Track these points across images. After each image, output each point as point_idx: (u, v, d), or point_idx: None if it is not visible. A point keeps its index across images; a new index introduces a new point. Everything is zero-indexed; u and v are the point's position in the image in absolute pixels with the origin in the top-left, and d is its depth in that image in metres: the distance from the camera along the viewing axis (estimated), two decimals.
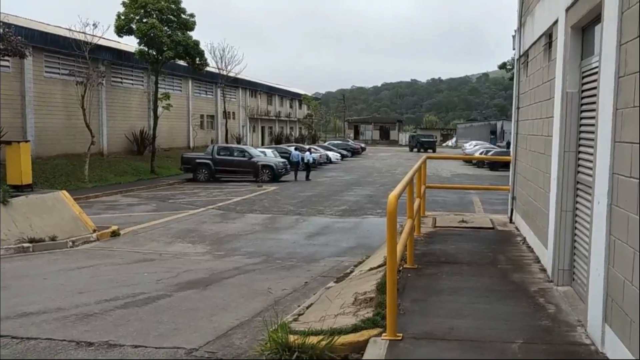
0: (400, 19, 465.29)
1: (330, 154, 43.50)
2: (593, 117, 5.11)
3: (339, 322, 5.15)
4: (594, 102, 5.15)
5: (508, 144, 45.78)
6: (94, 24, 25.36)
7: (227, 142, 38.97)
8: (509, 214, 9.66)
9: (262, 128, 57.87)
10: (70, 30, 25.38)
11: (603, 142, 4.26)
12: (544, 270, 6.47)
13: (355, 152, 55.85)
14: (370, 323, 4.93)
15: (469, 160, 42.21)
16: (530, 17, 8.18)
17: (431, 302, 5.50)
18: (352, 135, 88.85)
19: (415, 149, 66.23)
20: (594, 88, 5.05)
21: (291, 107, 68.67)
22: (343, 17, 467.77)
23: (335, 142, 59.23)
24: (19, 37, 20.50)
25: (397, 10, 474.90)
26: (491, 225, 9.31)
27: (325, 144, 55.29)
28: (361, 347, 4.67)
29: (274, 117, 61.04)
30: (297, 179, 29.00)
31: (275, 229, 14.51)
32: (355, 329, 4.86)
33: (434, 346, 4.44)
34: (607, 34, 4.23)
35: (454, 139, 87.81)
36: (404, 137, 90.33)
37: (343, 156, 48.07)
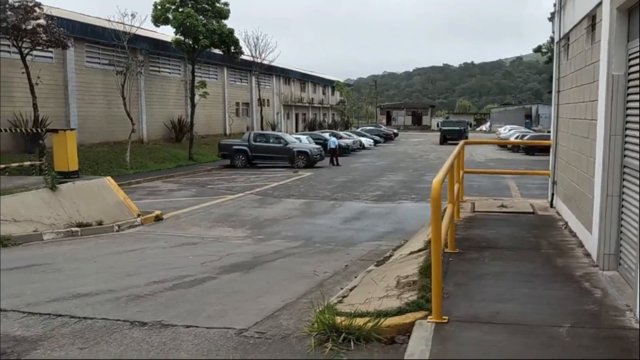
0: (430, 2, 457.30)
1: (363, 139, 43.48)
2: None
3: (384, 305, 5.25)
4: None
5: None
6: (132, 14, 25.92)
7: (262, 129, 39.37)
8: (550, 199, 9.55)
9: (296, 115, 58.08)
10: (109, 20, 25.95)
11: None
12: (588, 254, 6.42)
13: (387, 138, 55.59)
14: (415, 306, 5.02)
15: (504, 145, 41.52)
16: None
17: (474, 286, 5.55)
18: (384, 121, 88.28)
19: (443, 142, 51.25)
20: None
21: (324, 93, 68.64)
22: (372, 2, 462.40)
23: (368, 128, 59.03)
24: (61, 29, 21.09)
25: None
26: (531, 210, 9.24)
27: (358, 130, 55.16)
28: (407, 329, 4.76)
29: (307, 104, 61.17)
30: (334, 165, 29.20)
31: (312, 214, 14.67)
32: (400, 311, 4.95)
33: (480, 330, 4.49)
34: None
35: (488, 124, 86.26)
36: (436, 123, 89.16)
37: (376, 142, 47.94)
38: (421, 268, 6.05)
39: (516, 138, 41.10)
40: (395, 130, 65.19)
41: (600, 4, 6.09)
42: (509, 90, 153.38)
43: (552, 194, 9.32)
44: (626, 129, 5.52)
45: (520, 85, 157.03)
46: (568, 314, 4.75)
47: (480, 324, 4.61)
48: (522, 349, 4.15)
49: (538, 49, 45.51)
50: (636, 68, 5.24)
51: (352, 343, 4.67)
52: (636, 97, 5.23)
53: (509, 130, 52.33)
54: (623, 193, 5.60)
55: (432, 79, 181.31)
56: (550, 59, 42.29)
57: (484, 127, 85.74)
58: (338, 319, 4.91)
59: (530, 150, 35.25)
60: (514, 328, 4.51)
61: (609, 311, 4.81)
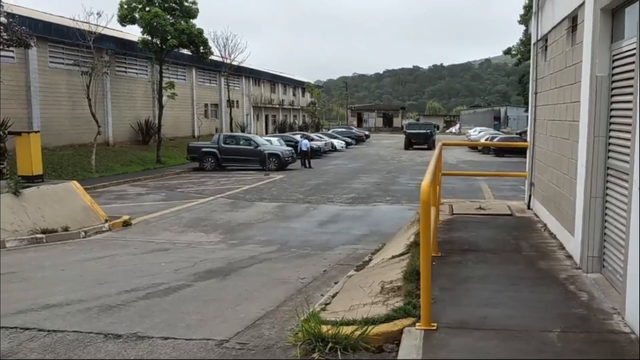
0: (399, 3, 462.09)
1: (334, 141, 43.42)
2: (626, 102, 5.03)
3: (369, 312, 5.09)
4: (627, 86, 5.07)
5: (520, 133, 45.41)
6: (97, 13, 25.24)
7: (231, 130, 38.88)
8: (527, 201, 9.58)
9: (266, 116, 57.69)
10: (74, 20, 25.21)
11: None
12: (570, 257, 6.40)
13: (359, 140, 55.70)
14: (402, 312, 4.87)
15: (474, 147, 42.00)
16: (550, 0, 8.04)
17: (460, 290, 5.45)
18: (355, 122, 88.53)
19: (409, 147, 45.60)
20: (628, 71, 4.96)
21: (294, 95, 68.41)
22: (340, 2, 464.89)
23: (339, 129, 58.99)
24: (23, 27, 20.33)
25: None
26: (509, 212, 9.24)
27: (329, 131, 55.10)
28: (395, 337, 4.62)
29: (277, 106, 60.85)
30: (306, 167, 29.05)
31: (286, 217, 14.47)
32: (387, 318, 4.80)
33: (471, 336, 4.38)
34: None
35: (457, 126, 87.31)
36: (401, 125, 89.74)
37: (347, 144, 47.95)
38: (405, 273, 5.92)
39: (486, 140, 41.64)
40: (367, 132, 65.28)
41: (582, 4, 6.08)
42: (477, 93, 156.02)
43: (530, 196, 9.34)
44: (610, 130, 5.50)
45: (488, 88, 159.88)
46: (557, 318, 4.68)
47: (470, 330, 4.50)
48: (514, 355, 4.05)
49: (508, 51, 46.24)
50: (621, 69, 5.23)
51: (339, 353, 4.50)
52: (621, 98, 5.21)
53: (479, 132, 52.97)
54: (607, 195, 5.58)
55: (402, 81, 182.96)
56: (520, 61, 43.08)
57: (453, 129, 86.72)
58: (324, 328, 4.73)
59: (500, 152, 35.75)
60: (505, 334, 4.41)
61: (597, 315, 4.76)
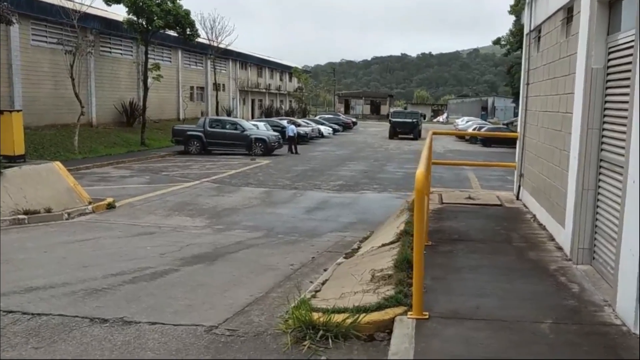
0: None
1: (322, 128, 43.25)
2: (622, 94, 5.01)
3: (359, 300, 5.05)
4: (623, 79, 5.05)
5: (507, 124, 45.57)
6: None
7: (217, 114, 38.53)
8: (516, 191, 9.60)
9: (252, 101, 57.26)
10: None
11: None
12: (560, 248, 6.42)
13: (346, 127, 55.58)
14: (394, 301, 4.85)
15: (461, 137, 42.11)
16: None
17: (452, 280, 5.44)
18: (342, 109, 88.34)
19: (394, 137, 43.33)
20: (625, 64, 4.93)
21: (281, 80, 67.94)
22: None
23: (327, 116, 58.78)
24: (5, 3, 19.84)
25: None
26: (498, 202, 9.25)
27: (317, 117, 54.85)
28: (386, 325, 4.60)
29: (264, 90, 60.40)
30: (292, 153, 28.92)
31: (272, 203, 14.38)
32: (379, 307, 4.77)
33: (463, 326, 4.36)
34: None
35: (445, 115, 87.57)
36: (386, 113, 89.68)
37: (335, 130, 47.81)
38: (396, 261, 5.89)
39: (473, 130, 41.79)
40: (354, 119, 65.12)
41: None
42: (465, 82, 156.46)
43: (519, 187, 9.36)
44: (604, 122, 5.49)
45: (476, 77, 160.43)
46: (548, 309, 4.69)
47: (462, 320, 4.49)
48: (507, 346, 4.04)
49: (497, 41, 46.16)
50: (617, 62, 5.20)
51: (330, 340, 4.47)
52: (616, 90, 5.19)
53: (466, 122, 53.13)
54: (599, 187, 5.58)
55: (390, 69, 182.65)
56: (509, 52, 43.05)
57: (441, 119, 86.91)
58: (315, 315, 4.69)
59: (487, 142, 35.89)
60: (497, 324, 4.41)
61: (588, 306, 4.77)
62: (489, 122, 55.72)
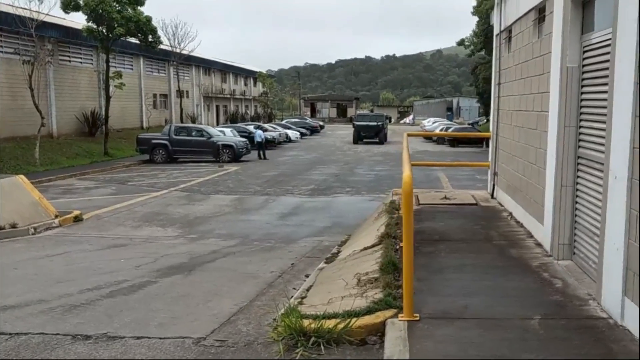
0: None
1: (289, 132, 43.18)
2: (598, 92, 5.12)
3: (348, 305, 5.01)
4: (597, 77, 5.17)
5: (472, 123, 46.30)
6: None
7: (182, 121, 38.05)
8: (490, 190, 9.74)
9: (217, 107, 56.73)
10: (12, 6, 23.90)
11: (620, 116, 4.23)
12: (539, 245, 6.52)
13: (314, 131, 55.62)
14: (383, 304, 4.82)
15: (428, 137, 42.59)
16: None
17: (437, 280, 5.45)
18: (308, 113, 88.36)
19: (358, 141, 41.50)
20: (600, 62, 5.05)
21: (246, 85, 67.56)
22: None
23: (293, 120, 58.71)
24: None
25: None
26: (474, 201, 9.36)
27: (283, 122, 54.71)
28: (377, 329, 4.57)
29: (228, 96, 59.95)
30: (261, 158, 28.74)
31: (245, 210, 14.24)
32: (369, 310, 4.74)
33: (454, 325, 4.37)
34: (625, 7, 4.17)
35: (411, 116, 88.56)
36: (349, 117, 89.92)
37: (302, 134, 47.78)
38: (381, 264, 5.87)
39: (440, 130, 42.36)
40: (321, 123, 65.18)
41: None
42: (429, 83, 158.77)
43: (494, 185, 9.49)
44: (581, 120, 5.60)
45: (440, 79, 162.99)
46: (535, 306, 4.74)
47: (452, 320, 4.50)
48: (499, 343, 4.06)
49: (461, 42, 46.86)
50: (592, 60, 5.32)
51: (322, 347, 4.41)
52: (592, 89, 5.31)
53: (433, 123, 53.79)
54: (577, 184, 5.69)
55: (355, 71, 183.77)
56: (473, 53, 43.82)
57: (407, 120, 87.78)
58: (305, 322, 4.63)
59: (454, 142, 36.43)
60: (487, 323, 4.43)
61: (573, 301, 4.85)
62: (455, 122, 56.65)
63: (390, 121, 48.13)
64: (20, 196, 12.40)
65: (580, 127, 5.60)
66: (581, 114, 5.59)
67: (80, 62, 32.82)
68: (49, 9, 24.78)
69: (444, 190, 11.82)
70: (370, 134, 41.32)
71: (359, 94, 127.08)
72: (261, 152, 29.28)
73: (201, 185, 19.03)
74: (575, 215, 5.72)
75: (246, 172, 22.82)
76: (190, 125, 33.10)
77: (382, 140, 40.90)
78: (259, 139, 29.61)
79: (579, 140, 5.63)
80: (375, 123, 41.98)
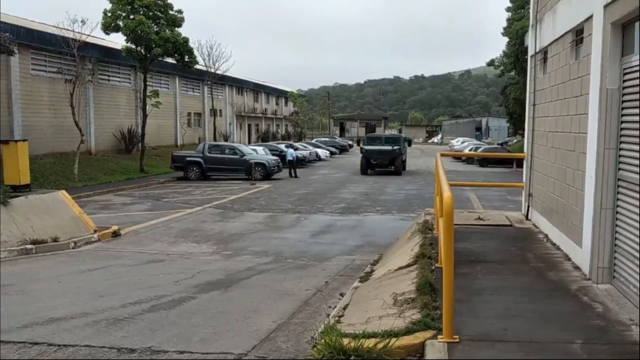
0: (379, 14, 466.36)
1: (319, 151, 43.44)
2: (638, 115, 5.11)
3: (386, 324, 5.05)
4: (638, 100, 5.15)
5: (502, 143, 45.80)
6: (82, 21, 24.91)
7: (215, 139, 38.65)
8: (525, 211, 9.66)
9: (249, 125, 57.51)
10: (57, 27, 24.86)
11: None
12: (577, 267, 6.45)
13: (343, 149, 55.83)
14: (422, 325, 4.84)
15: (457, 157, 42.36)
16: (551, 13, 8.16)
17: (476, 302, 5.44)
18: (337, 132, 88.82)
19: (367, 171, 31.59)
20: None
21: (277, 104, 68.37)
22: (321, 12, 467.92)
23: (323, 139, 59.01)
24: (6, 34, 20.02)
25: (373, 5, 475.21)
26: (508, 223, 9.30)
27: (313, 141, 55.05)
28: (416, 349, 4.58)
29: (260, 115, 60.72)
30: (292, 177, 28.99)
31: (278, 228, 14.38)
32: (408, 331, 4.77)
33: (494, 348, 4.36)
34: None
35: (439, 136, 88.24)
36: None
37: (332, 153, 48.01)
38: (418, 285, 5.90)
39: (470, 150, 42.08)
40: (350, 142, 65.36)
41: (589, 18, 6.17)
42: (457, 103, 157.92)
43: (528, 206, 9.42)
44: (621, 142, 5.57)
45: (469, 99, 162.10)
46: (577, 330, 4.69)
47: (492, 342, 4.49)
48: None
49: (491, 63, 46.69)
50: (632, 82, 5.31)
51: None
52: (633, 111, 5.29)
53: (462, 143, 53.48)
54: (617, 206, 5.64)
55: (383, 91, 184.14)
56: (503, 73, 43.58)
57: (435, 139, 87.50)
58: (345, 341, 4.68)
59: (483, 162, 36.10)
60: (528, 346, 4.41)
61: (616, 326, 4.79)
62: (484, 142, 56.17)
63: (410, 144, 36.81)
64: (61, 211, 12.81)
65: (621, 149, 5.57)
66: (621, 136, 5.56)
67: (119, 81, 33.78)
68: (90, 30, 25.64)
69: (476, 210, 11.76)
70: (384, 161, 31.41)
71: (388, 114, 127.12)
72: (292, 171, 29.54)
73: (234, 202, 19.29)
74: (615, 239, 5.66)
75: (278, 190, 23.04)
76: (224, 143, 33.60)
77: (399, 170, 31.26)
78: (290, 158, 29.88)
79: (619, 162, 5.60)
80: (389, 147, 31.40)
